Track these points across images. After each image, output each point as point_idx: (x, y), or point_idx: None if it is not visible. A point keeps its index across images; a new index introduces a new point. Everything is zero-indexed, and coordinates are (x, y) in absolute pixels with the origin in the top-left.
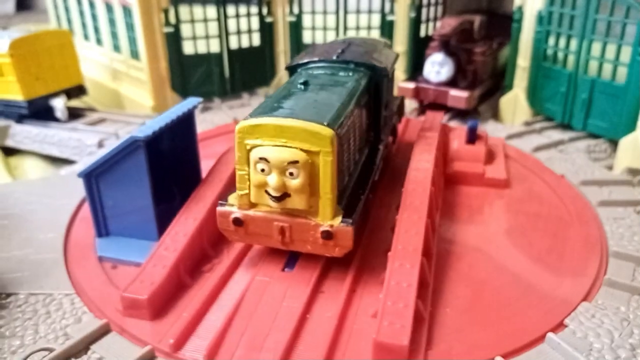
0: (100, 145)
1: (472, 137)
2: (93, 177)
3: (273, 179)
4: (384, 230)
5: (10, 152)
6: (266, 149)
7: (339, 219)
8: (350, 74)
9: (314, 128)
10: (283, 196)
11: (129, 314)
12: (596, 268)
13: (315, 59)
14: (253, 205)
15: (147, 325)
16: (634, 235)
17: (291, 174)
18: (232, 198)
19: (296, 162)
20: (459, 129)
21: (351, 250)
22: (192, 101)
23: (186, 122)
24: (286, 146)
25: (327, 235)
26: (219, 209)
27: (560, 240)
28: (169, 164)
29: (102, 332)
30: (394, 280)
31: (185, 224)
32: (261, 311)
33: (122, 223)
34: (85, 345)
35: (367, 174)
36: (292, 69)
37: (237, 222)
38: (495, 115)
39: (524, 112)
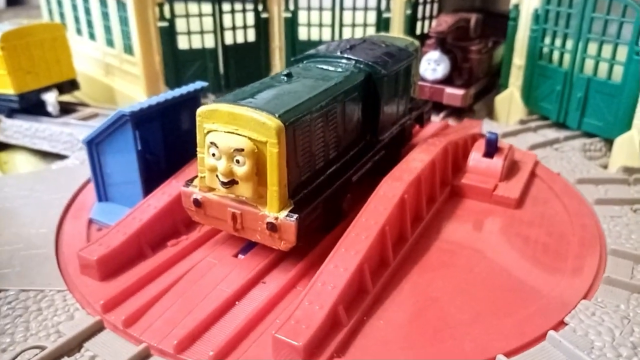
0: None
1: (490, 149)
2: (94, 145)
3: (221, 164)
4: None
5: (0, 146)
6: (217, 135)
7: (285, 212)
8: (345, 70)
9: (262, 118)
10: (231, 182)
11: (84, 272)
12: (595, 266)
13: (320, 52)
14: (212, 189)
15: (93, 285)
16: (631, 233)
17: (238, 161)
18: (197, 180)
19: (242, 150)
20: (483, 139)
21: (310, 246)
22: (198, 84)
23: (191, 104)
24: (236, 133)
25: (272, 227)
26: (182, 188)
27: (557, 239)
28: (170, 143)
29: (96, 329)
30: (320, 281)
31: (159, 199)
32: (194, 290)
33: (118, 191)
34: (78, 342)
35: (345, 173)
36: (297, 62)
37: (197, 203)
38: (490, 113)
39: (519, 110)
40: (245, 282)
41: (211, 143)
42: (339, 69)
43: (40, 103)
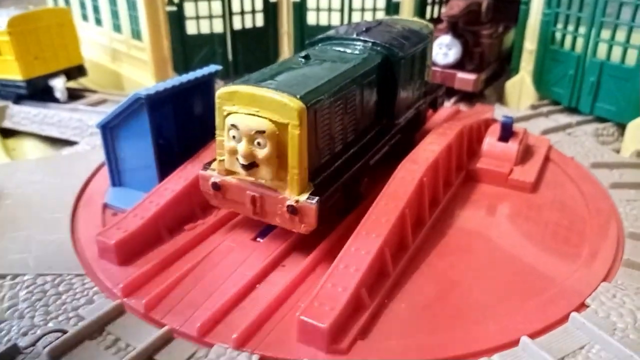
0: None
1: (505, 134)
2: (108, 129)
3: (241, 147)
4: None
5: (7, 133)
6: (238, 117)
7: (306, 195)
8: (362, 53)
9: (283, 99)
10: (251, 165)
11: (102, 256)
12: (613, 249)
13: (336, 35)
14: (231, 172)
15: (112, 269)
16: None
17: (259, 143)
18: (215, 163)
19: (263, 132)
20: (498, 124)
21: (328, 229)
22: (211, 67)
23: (204, 88)
24: (257, 115)
25: (292, 210)
26: (201, 172)
27: (574, 223)
28: (184, 127)
29: (117, 313)
30: (343, 264)
31: (176, 182)
32: (214, 274)
33: (132, 176)
34: (99, 326)
35: (363, 157)
36: (313, 44)
37: (215, 186)
38: (501, 98)
39: (529, 95)
40: (265, 266)
41: (232, 125)
42: (356, 52)
43: (47, 89)
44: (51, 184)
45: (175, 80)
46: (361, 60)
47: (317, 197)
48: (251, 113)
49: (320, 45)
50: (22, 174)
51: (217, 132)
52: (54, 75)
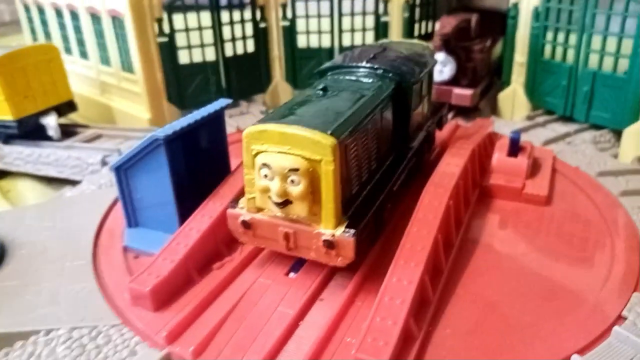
0: (103, 163)
1: (514, 149)
2: (122, 171)
3: (275, 185)
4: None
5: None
6: (269, 155)
7: (342, 228)
8: (376, 80)
9: (316, 136)
10: (285, 202)
11: (136, 303)
12: (637, 258)
13: (344, 63)
14: (261, 209)
15: (149, 316)
16: None
17: (292, 181)
18: (243, 201)
19: (297, 169)
20: (504, 138)
21: (359, 259)
22: (221, 102)
23: (215, 122)
24: (289, 153)
25: (329, 244)
26: (229, 211)
27: (595, 233)
28: (198, 162)
29: None
30: (387, 296)
31: (200, 221)
32: (255, 313)
33: (149, 216)
34: None
35: (386, 183)
36: (321, 73)
37: (245, 224)
38: (494, 111)
39: (523, 106)
40: (304, 302)
41: (263, 164)
42: (369, 80)
43: (38, 127)
44: (64, 229)
45: (188, 118)
46: (377, 88)
47: (353, 230)
48: (282, 151)
49: (330, 74)
50: (31, 221)
51: (246, 170)
52: (45, 112)
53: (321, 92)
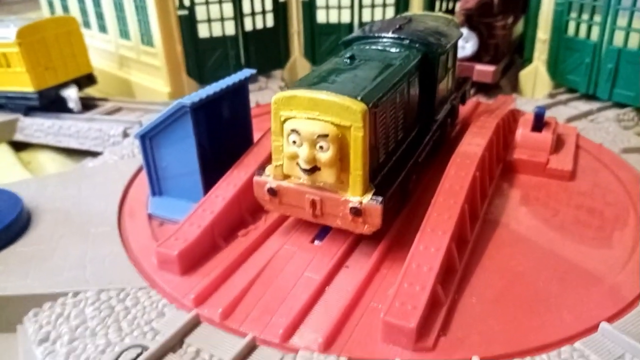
0: (124, 134)
1: (539, 124)
2: (147, 139)
3: (303, 152)
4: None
5: (19, 146)
6: (298, 122)
7: (369, 196)
8: (403, 50)
9: (346, 102)
10: (313, 169)
11: (163, 268)
12: None
13: (370, 33)
14: (287, 177)
15: (176, 280)
16: None
17: (321, 147)
18: (269, 168)
19: (326, 135)
20: (528, 114)
21: (384, 228)
22: (245, 72)
23: (240, 92)
24: (318, 119)
25: (356, 211)
26: (256, 178)
27: (620, 207)
28: (222, 132)
29: (193, 324)
30: (415, 263)
31: (226, 189)
32: (282, 278)
33: (174, 184)
34: (179, 338)
35: (412, 154)
36: (347, 44)
37: (272, 192)
38: (515, 88)
39: (544, 84)
40: (330, 268)
41: (292, 130)
42: (396, 49)
43: (58, 100)
44: (88, 197)
45: (213, 86)
46: (405, 57)
47: (380, 197)
48: (311, 117)
49: (356, 44)
50: (54, 189)
51: (273, 137)
52: (65, 85)
53: (348, 61)
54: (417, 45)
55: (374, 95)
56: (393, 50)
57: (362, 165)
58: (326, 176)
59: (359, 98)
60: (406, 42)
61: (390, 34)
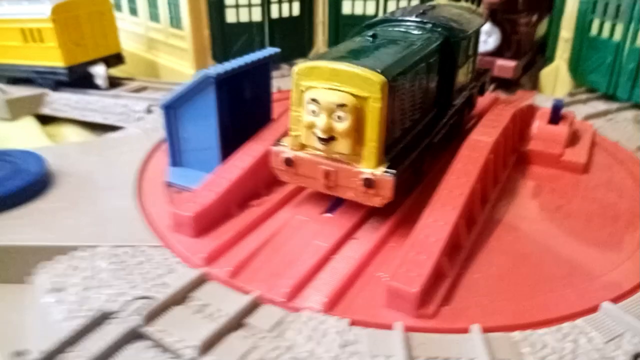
0: (148, 111)
1: (556, 117)
2: (172, 110)
3: (321, 121)
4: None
5: (44, 120)
6: (318, 91)
7: (382, 168)
8: (425, 33)
9: (366, 73)
10: (330, 139)
11: (177, 229)
12: None
13: (393, 17)
14: (303, 148)
15: (189, 241)
16: None
17: (339, 117)
18: (286, 139)
19: (344, 105)
20: (545, 109)
21: (395, 205)
22: (269, 50)
23: (263, 70)
24: (337, 89)
25: (369, 183)
26: (273, 148)
27: (631, 201)
28: (243, 109)
29: (202, 280)
30: (423, 234)
31: (243, 160)
32: (291, 245)
33: (193, 156)
34: (187, 292)
35: (427, 135)
36: (370, 27)
37: (288, 162)
38: (535, 87)
39: (565, 84)
40: (339, 238)
41: (312, 99)
42: (418, 32)
43: (86, 76)
44: (109, 163)
45: (239, 60)
46: (426, 39)
47: (393, 170)
48: (331, 87)
49: (379, 27)
50: (76, 155)
51: (293, 107)
52: (94, 62)
53: (371, 39)
54: (439, 29)
55: (393, 70)
56: (415, 32)
57: (378, 137)
58: (342, 146)
59: (379, 70)
60: (429, 25)
61: (413, 18)
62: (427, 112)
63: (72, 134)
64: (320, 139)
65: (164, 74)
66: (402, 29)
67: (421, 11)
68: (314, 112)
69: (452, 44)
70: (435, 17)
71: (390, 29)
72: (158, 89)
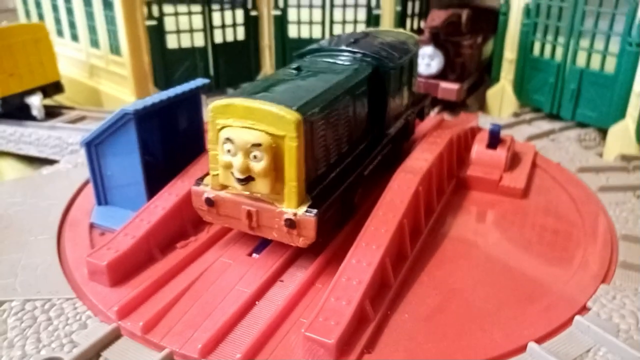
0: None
1: (494, 141)
2: (93, 146)
3: (237, 161)
4: None
5: None
6: (232, 130)
7: (304, 208)
8: (353, 63)
9: (280, 111)
10: (247, 179)
11: (93, 278)
12: (609, 251)
13: (325, 46)
14: (225, 187)
15: (104, 292)
16: (638, 218)
17: (255, 156)
18: (208, 179)
19: (260, 144)
20: (484, 131)
21: (325, 242)
22: (197, 81)
23: (191, 102)
24: (253, 128)
25: (290, 223)
26: (193, 188)
27: (568, 227)
28: (172, 141)
29: (112, 337)
30: (344, 277)
31: (166, 199)
32: (212, 292)
33: (119, 194)
34: (95, 352)
35: (358, 166)
36: (301, 56)
37: (209, 202)
38: (482, 107)
39: (510, 103)
40: (263, 282)
41: (226, 139)
42: (347, 62)
43: (22, 107)
44: (33, 205)
45: (161, 94)
46: (352, 71)
47: (315, 210)
48: (246, 126)
49: (309, 57)
50: (1, 196)
51: (210, 146)
52: (30, 92)
53: (294, 71)
54: (368, 59)
55: (312, 106)
56: (343, 63)
57: (297, 176)
58: (260, 187)
59: (294, 108)
60: (358, 55)
61: (343, 47)
62: (358, 143)
63: (7, 168)
64: (238, 180)
65: (106, 101)
66: (331, 60)
67: (352, 40)
68: (229, 151)
69: (382, 73)
70: (365, 46)
71: (319, 59)
72: (97, 119)
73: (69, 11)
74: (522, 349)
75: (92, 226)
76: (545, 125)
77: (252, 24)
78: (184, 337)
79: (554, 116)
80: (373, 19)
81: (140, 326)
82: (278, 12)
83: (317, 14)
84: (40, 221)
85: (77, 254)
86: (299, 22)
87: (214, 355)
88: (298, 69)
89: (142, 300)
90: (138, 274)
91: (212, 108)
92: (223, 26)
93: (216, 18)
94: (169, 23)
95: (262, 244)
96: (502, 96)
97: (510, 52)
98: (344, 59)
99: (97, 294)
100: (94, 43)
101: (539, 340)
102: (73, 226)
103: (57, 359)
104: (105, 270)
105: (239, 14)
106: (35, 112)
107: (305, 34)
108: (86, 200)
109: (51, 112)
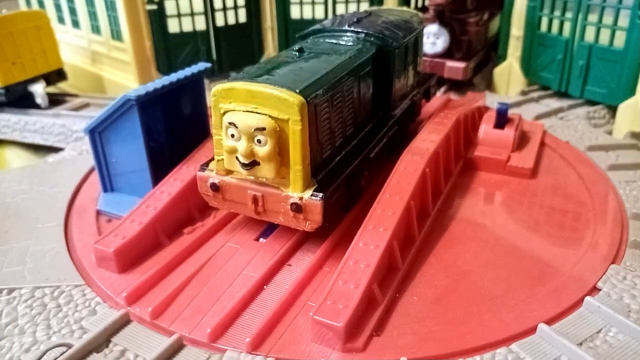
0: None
1: (501, 121)
2: (96, 134)
3: (241, 145)
4: None
5: None
6: (236, 114)
7: (310, 191)
8: (356, 44)
9: (283, 94)
10: (252, 164)
11: (101, 265)
12: (619, 231)
13: (328, 27)
14: (230, 172)
15: (112, 278)
16: None
17: (259, 141)
18: (213, 164)
19: (263, 128)
20: (491, 111)
21: (331, 225)
22: (200, 65)
23: (194, 86)
24: (256, 112)
25: (296, 207)
26: (198, 173)
27: (577, 206)
28: (177, 126)
29: (122, 323)
30: (352, 260)
31: (172, 185)
32: (220, 277)
33: (124, 180)
34: (105, 338)
35: (363, 149)
36: (303, 37)
37: (214, 187)
38: (489, 86)
39: (518, 81)
40: (271, 266)
41: (230, 123)
42: (350, 43)
43: (26, 95)
44: (40, 192)
45: (164, 79)
46: (356, 51)
47: (321, 193)
48: (249, 110)
49: (312, 38)
50: (8, 184)
51: (214, 131)
52: (33, 80)
53: (297, 53)
54: (371, 39)
55: (315, 89)
56: (347, 43)
57: (302, 159)
58: (265, 171)
59: (297, 91)
60: (361, 35)
61: (345, 28)
62: (363, 125)
63: (13, 157)
64: (243, 164)
65: (109, 87)
66: (334, 40)
67: (355, 20)
68: (233, 136)
69: (386, 53)
70: (368, 25)
71: (322, 40)
72: (101, 106)
73: None
74: (532, 330)
75: (98, 213)
76: (553, 103)
77: (253, 6)
78: (193, 322)
79: (562, 94)
80: None
81: (149, 312)
82: None
83: None
84: (48, 209)
85: (84, 241)
86: (301, 3)
87: (223, 340)
88: (301, 50)
89: (150, 286)
90: (146, 260)
91: (214, 92)
92: (224, 9)
93: (217, 0)
94: (170, 7)
95: (268, 229)
96: (509, 74)
97: (517, 29)
98: (347, 40)
99: (105, 281)
100: (95, 29)
101: (549, 322)
102: (80, 213)
103: (67, 344)
104: (113, 257)
105: None
106: (39, 100)
107: (307, 14)
108: (92, 188)
109: (55, 100)
